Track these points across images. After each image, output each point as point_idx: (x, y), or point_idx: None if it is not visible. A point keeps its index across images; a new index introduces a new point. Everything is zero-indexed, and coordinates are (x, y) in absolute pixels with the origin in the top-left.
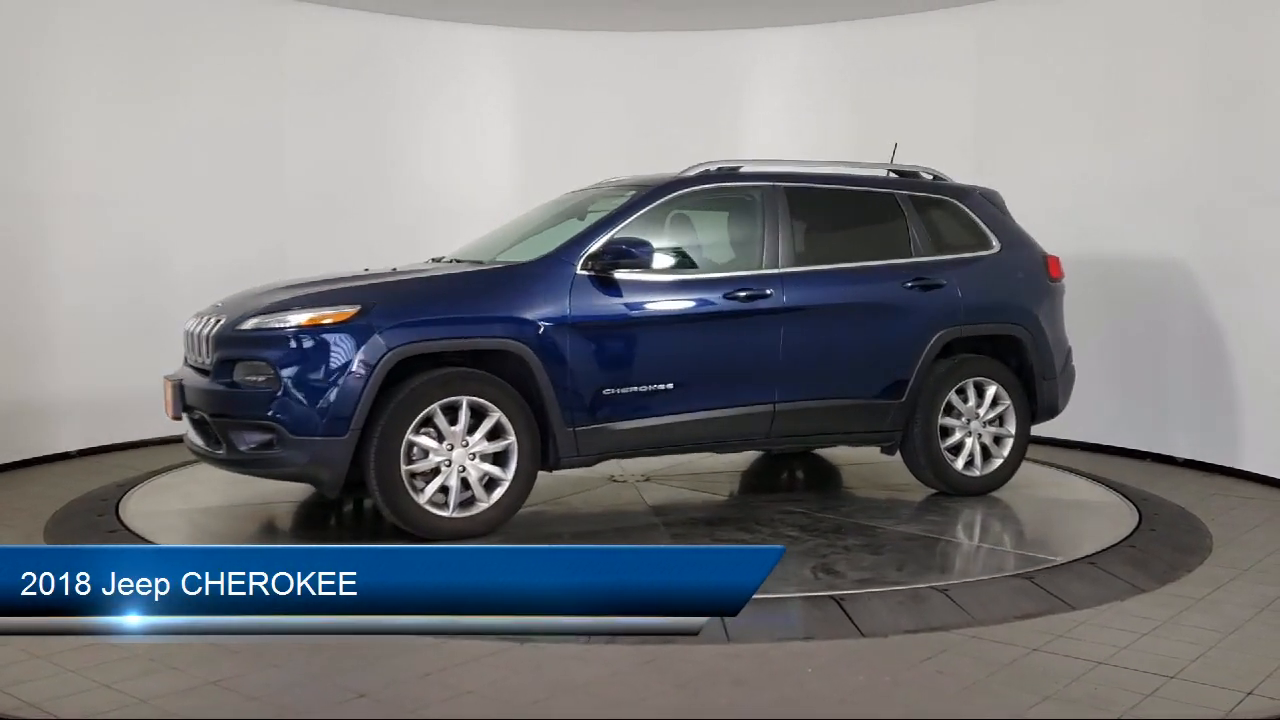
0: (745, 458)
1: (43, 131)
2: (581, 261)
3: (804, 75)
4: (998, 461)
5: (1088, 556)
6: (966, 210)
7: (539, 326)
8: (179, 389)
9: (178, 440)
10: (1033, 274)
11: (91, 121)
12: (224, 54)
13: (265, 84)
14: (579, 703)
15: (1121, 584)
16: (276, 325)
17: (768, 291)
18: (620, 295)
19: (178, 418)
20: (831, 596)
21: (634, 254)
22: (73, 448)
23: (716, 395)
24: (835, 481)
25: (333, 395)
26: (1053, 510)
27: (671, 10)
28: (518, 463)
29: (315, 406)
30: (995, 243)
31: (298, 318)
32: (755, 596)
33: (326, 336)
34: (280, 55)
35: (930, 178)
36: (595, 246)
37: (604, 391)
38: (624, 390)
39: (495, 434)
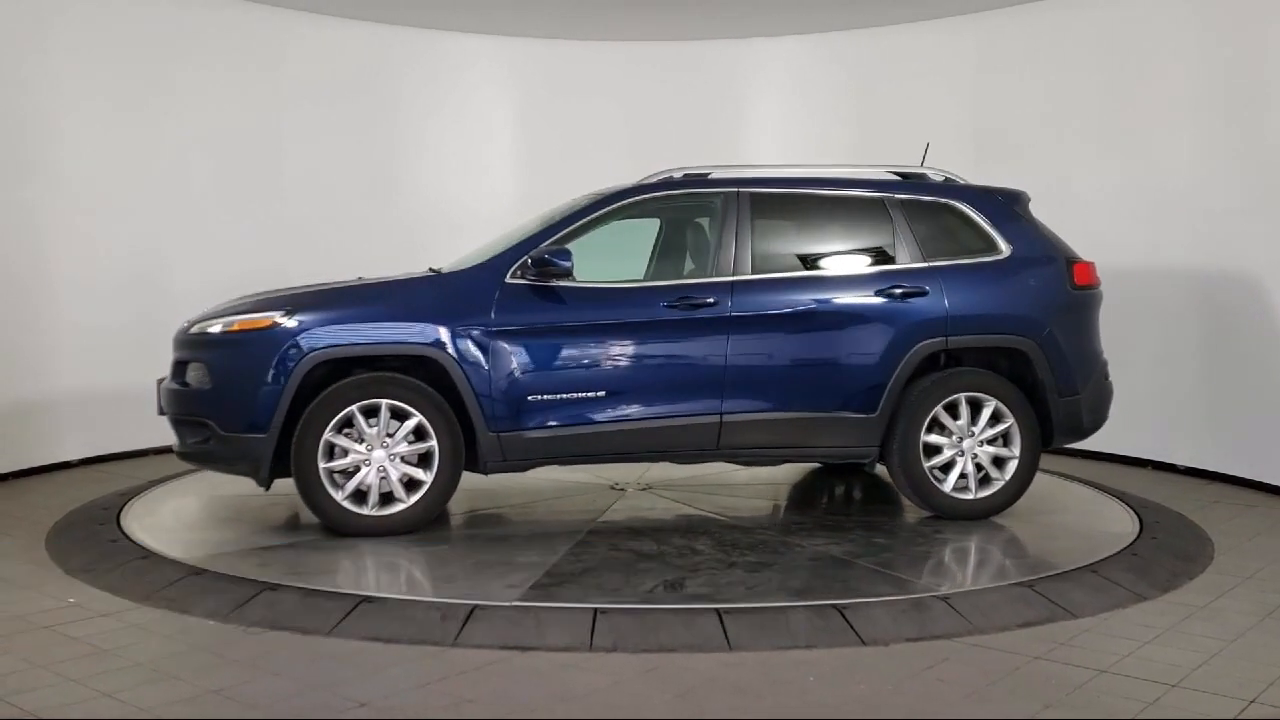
0: (790, 471)
1: (42, 143)
2: (513, 270)
3: (804, 84)
4: (997, 485)
5: (1089, 564)
6: (971, 214)
7: (460, 333)
8: (158, 388)
9: None
10: (1048, 281)
11: (91, 133)
12: (224, 65)
13: (266, 95)
14: (580, 711)
15: (1123, 592)
16: (212, 330)
17: (710, 300)
18: (552, 303)
19: (161, 414)
20: (834, 605)
21: (554, 263)
22: (74, 457)
23: (653, 404)
24: (861, 499)
25: (254, 395)
26: (1051, 518)
27: (672, 20)
28: (438, 465)
29: (239, 405)
30: (1005, 248)
31: (230, 323)
32: (755, 605)
33: (252, 340)
34: (281, 66)
35: (942, 179)
36: (528, 254)
37: (529, 398)
38: (551, 397)
39: (422, 437)
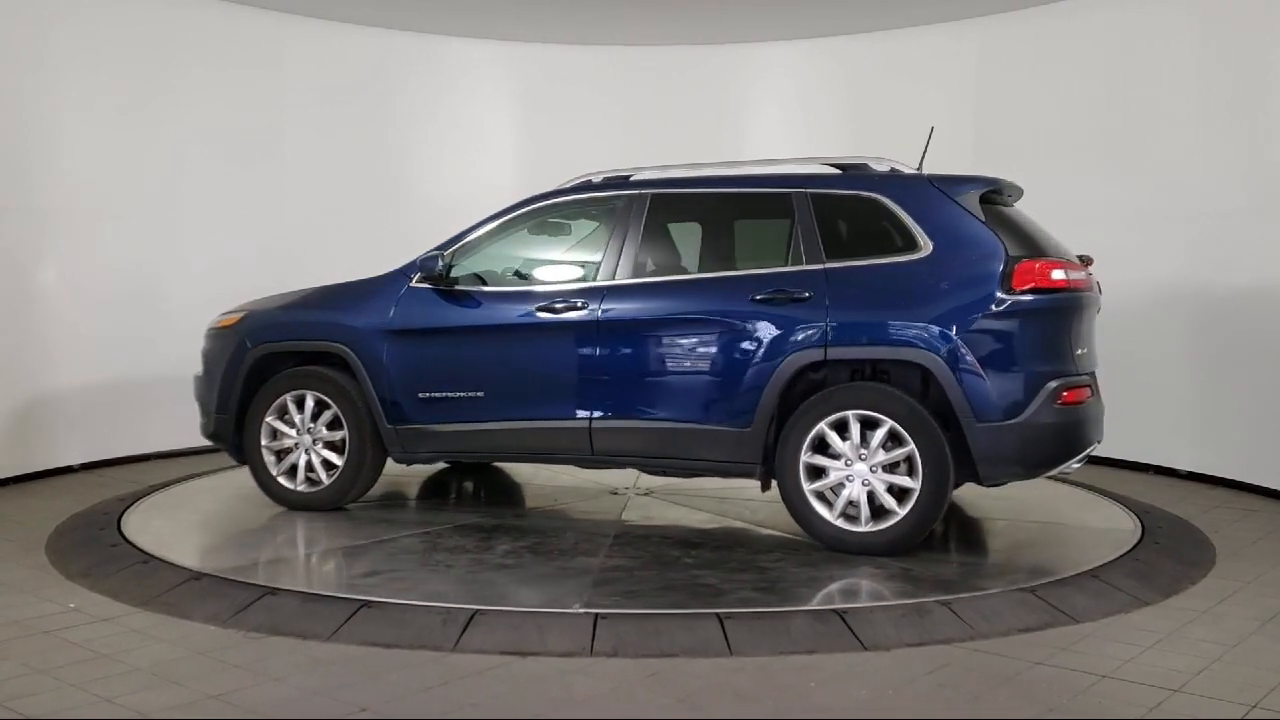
0: None
1: (43, 148)
2: (417, 273)
3: (804, 89)
4: (892, 519)
5: (1091, 569)
6: (892, 207)
7: (365, 332)
8: None
9: (179, 454)
10: (968, 284)
11: (92, 137)
12: (224, 70)
13: (266, 99)
14: (581, 717)
15: (1125, 597)
16: (210, 326)
17: (579, 304)
18: (441, 305)
19: None
20: (834, 610)
21: (425, 267)
22: (75, 461)
23: (525, 407)
24: None
25: (218, 382)
26: (1052, 523)
27: (672, 25)
28: (348, 453)
29: (214, 390)
30: (925, 244)
31: (216, 320)
32: (756, 610)
33: (223, 336)
34: (281, 70)
35: (886, 169)
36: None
37: (419, 395)
38: (436, 395)
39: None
